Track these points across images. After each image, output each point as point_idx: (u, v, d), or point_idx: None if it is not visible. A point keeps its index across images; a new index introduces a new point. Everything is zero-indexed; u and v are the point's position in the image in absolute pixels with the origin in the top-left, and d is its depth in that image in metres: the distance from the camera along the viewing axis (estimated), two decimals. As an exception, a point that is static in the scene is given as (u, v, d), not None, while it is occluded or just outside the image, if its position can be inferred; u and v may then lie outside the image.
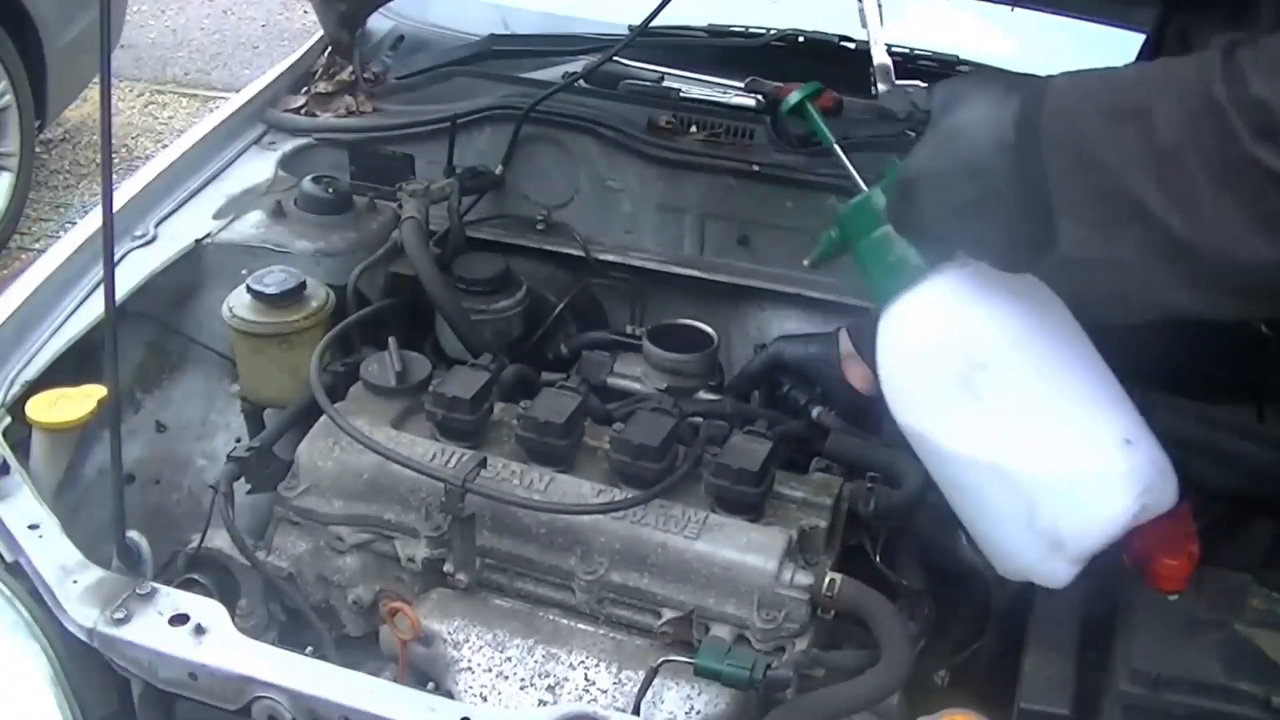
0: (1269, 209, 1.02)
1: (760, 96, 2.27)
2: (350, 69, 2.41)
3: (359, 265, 2.05)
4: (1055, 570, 1.38)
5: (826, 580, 1.59)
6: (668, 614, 1.63)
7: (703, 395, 1.95)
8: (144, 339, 2.03)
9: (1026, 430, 1.34)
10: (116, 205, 1.81)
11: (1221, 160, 1.04)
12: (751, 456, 1.65)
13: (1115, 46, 2.03)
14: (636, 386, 1.98)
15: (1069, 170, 1.14)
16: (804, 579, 1.60)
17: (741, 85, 2.30)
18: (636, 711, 1.52)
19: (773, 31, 2.46)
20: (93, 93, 5.37)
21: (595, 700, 1.58)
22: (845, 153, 1.53)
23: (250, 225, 2.11)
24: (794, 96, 1.57)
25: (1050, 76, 1.19)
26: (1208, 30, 1.52)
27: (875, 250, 1.39)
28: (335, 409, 1.74)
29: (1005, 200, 1.20)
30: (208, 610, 1.51)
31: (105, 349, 1.58)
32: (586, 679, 1.60)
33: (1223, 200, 1.05)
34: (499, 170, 2.24)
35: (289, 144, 2.35)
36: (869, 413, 1.89)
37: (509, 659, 1.62)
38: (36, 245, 4.79)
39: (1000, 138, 1.19)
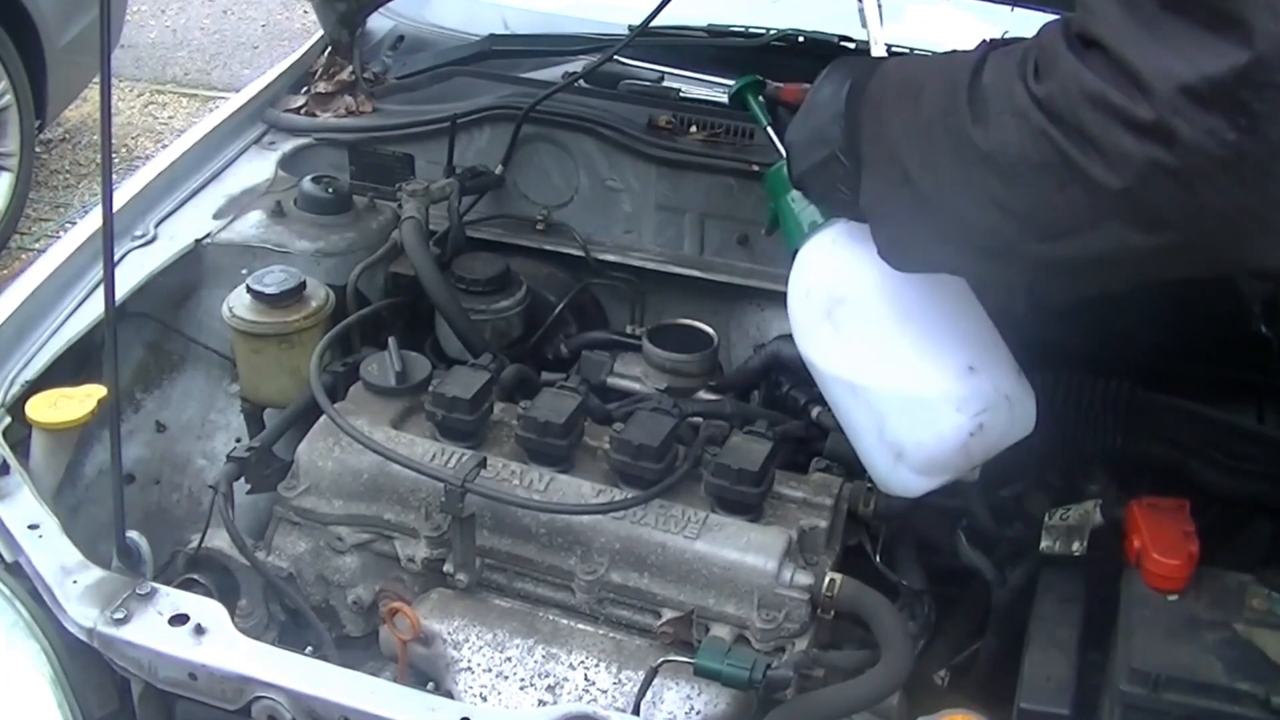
0: (982, 181, 1.15)
1: (760, 97, 2.26)
2: (350, 69, 2.41)
3: (359, 265, 2.06)
4: (903, 479, 1.54)
5: (826, 580, 1.59)
6: (668, 614, 1.63)
7: (703, 395, 1.95)
8: (144, 339, 2.03)
9: (877, 353, 1.52)
10: (116, 205, 1.81)
11: (956, 137, 1.17)
12: (751, 456, 1.65)
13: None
14: (636, 386, 1.98)
15: (869, 135, 1.33)
16: (804, 579, 1.60)
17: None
18: (636, 711, 1.52)
19: (773, 31, 2.45)
20: (93, 93, 5.36)
21: (595, 700, 1.58)
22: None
23: (250, 225, 2.11)
24: (735, 85, 1.86)
25: (893, 58, 1.39)
26: None
27: (787, 208, 1.65)
28: (335, 409, 1.74)
29: (841, 164, 1.40)
30: (208, 610, 1.51)
31: (105, 349, 1.58)
32: (586, 679, 1.60)
33: (956, 171, 1.18)
34: (499, 170, 2.24)
35: (289, 144, 2.35)
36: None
37: (509, 659, 1.62)
38: (36, 245, 4.79)
39: (836, 108, 1.40)
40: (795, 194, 1.61)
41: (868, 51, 2.22)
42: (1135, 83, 1.00)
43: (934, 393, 1.48)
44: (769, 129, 1.79)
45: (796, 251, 1.62)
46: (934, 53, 1.35)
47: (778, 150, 1.71)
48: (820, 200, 1.54)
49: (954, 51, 1.28)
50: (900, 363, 1.50)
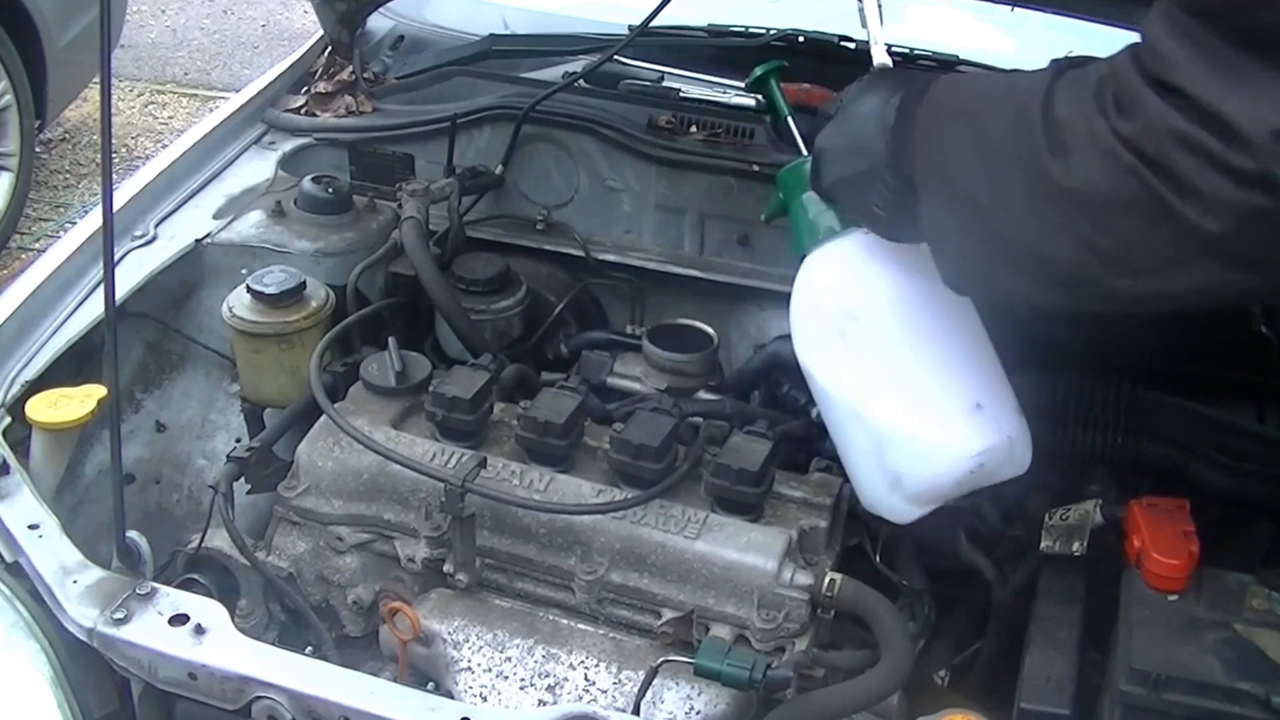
0: (1063, 216, 1.14)
1: (760, 96, 2.26)
2: (350, 69, 2.41)
3: (359, 265, 2.06)
4: (896, 506, 1.55)
5: (826, 580, 1.59)
6: (668, 614, 1.63)
7: (703, 395, 1.95)
8: (144, 339, 2.03)
9: (885, 378, 1.51)
10: (116, 205, 1.81)
11: (1031, 170, 1.15)
12: (751, 456, 1.65)
13: (1115, 46, 2.02)
14: (636, 386, 1.98)
15: (928, 161, 1.31)
16: (804, 579, 1.60)
17: (741, 85, 2.30)
18: (636, 711, 1.52)
19: (773, 31, 2.45)
20: (93, 93, 5.36)
21: (595, 700, 1.58)
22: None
23: (250, 225, 2.11)
24: (758, 70, 1.80)
25: (941, 75, 1.36)
26: None
27: (801, 209, 1.60)
28: (335, 409, 1.74)
29: (882, 178, 1.38)
30: (208, 610, 1.51)
31: (105, 349, 1.58)
32: (586, 679, 1.60)
33: (1032, 204, 1.17)
34: (499, 170, 2.24)
35: (289, 144, 2.35)
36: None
37: (509, 659, 1.62)
38: (36, 245, 4.78)
39: (883, 121, 1.38)
40: (811, 195, 1.58)
41: (868, 52, 2.23)
42: (1228, 131, 0.99)
43: (940, 427, 1.49)
44: (789, 119, 1.75)
45: (805, 254, 1.59)
46: (986, 71, 1.31)
47: (797, 145, 1.69)
48: (850, 211, 1.51)
49: (1013, 73, 1.26)
50: (910, 392, 1.50)
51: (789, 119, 1.75)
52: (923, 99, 1.33)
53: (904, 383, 1.50)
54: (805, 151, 1.64)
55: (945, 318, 1.50)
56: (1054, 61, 1.21)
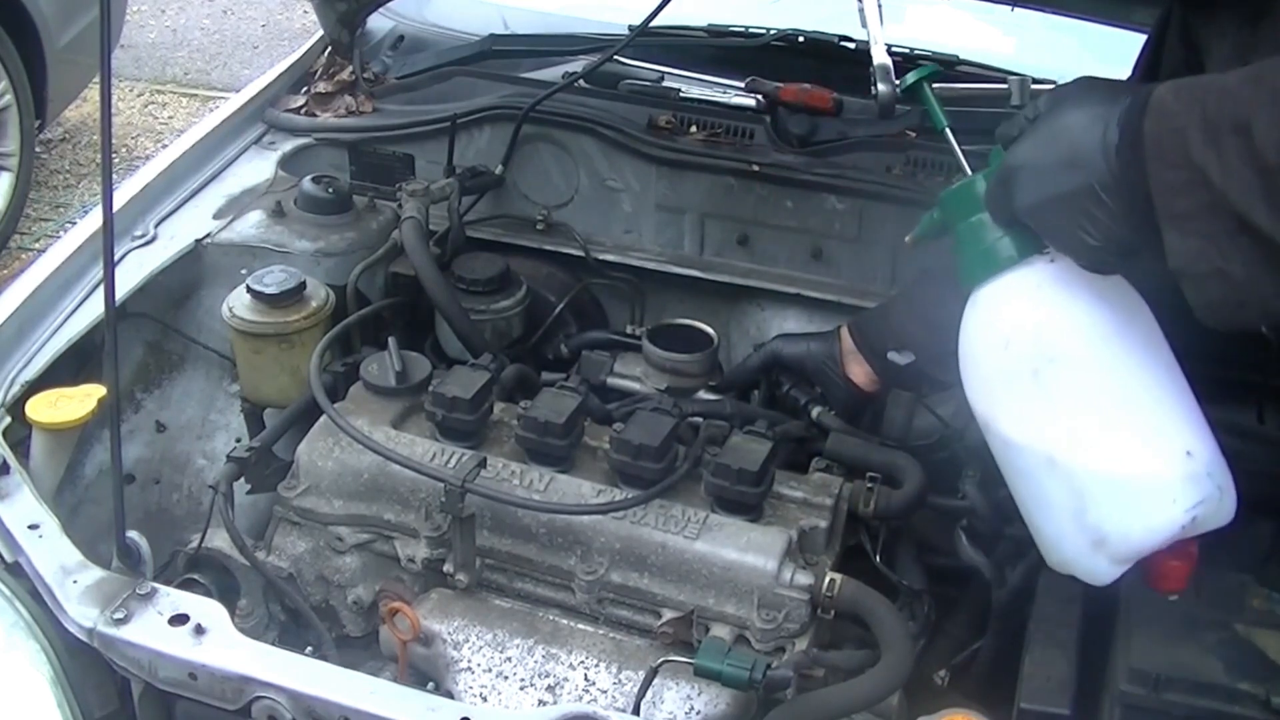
0: None
1: (760, 96, 2.27)
2: (350, 69, 2.42)
3: (359, 265, 2.06)
4: (1097, 567, 1.40)
5: (826, 580, 1.59)
6: (668, 614, 1.63)
7: (703, 395, 1.95)
8: (144, 339, 2.03)
9: (1087, 427, 1.36)
10: (116, 205, 1.82)
11: None
12: (751, 456, 1.65)
13: (1115, 46, 2.03)
14: (636, 386, 1.98)
15: (1174, 183, 1.15)
16: (804, 579, 1.60)
17: (741, 85, 2.30)
18: (636, 711, 1.52)
19: (773, 31, 2.45)
20: (93, 93, 5.36)
21: (595, 700, 1.58)
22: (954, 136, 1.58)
23: (250, 225, 2.11)
24: (910, 76, 1.61)
25: (1155, 85, 1.21)
26: (1220, 30, 1.52)
27: (971, 234, 1.42)
28: (335, 409, 1.74)
29: (1100, 202, 1.23)
30: (208, 610, 1.51)
31: (105, 349, 1.58)
32: (586, 679, 1.60)
33: None
34: (499, 170, 2.24)
35: (289, 144, 2.35)
36: (868, 412, 1.89)
37: (509, 659, 1.62)
38: (36, 245, 4.79)
39: (1102, 137, 1.23)
40: (983, 219, 1.41)
41: (868, 52, 2.23)
42: None
43: (1150, 479, 1.34)
44: (948, 131, 1.58)
45: (975, 286, 1.43)
46: (1210, 77, 1.17)
47: (959, 160, 1.55)
48: (1050, 237, 1.34)
49: (1255, 68, 1.14)
50: (1115, 440, 1.35)
51: (948, 130, 1.58)
52: (1147, 111, 1.18)
53: (1108, 430, 1.35)
54: (968, 168, 1.49)
55: (1143, 354, 1.37)
56: None
